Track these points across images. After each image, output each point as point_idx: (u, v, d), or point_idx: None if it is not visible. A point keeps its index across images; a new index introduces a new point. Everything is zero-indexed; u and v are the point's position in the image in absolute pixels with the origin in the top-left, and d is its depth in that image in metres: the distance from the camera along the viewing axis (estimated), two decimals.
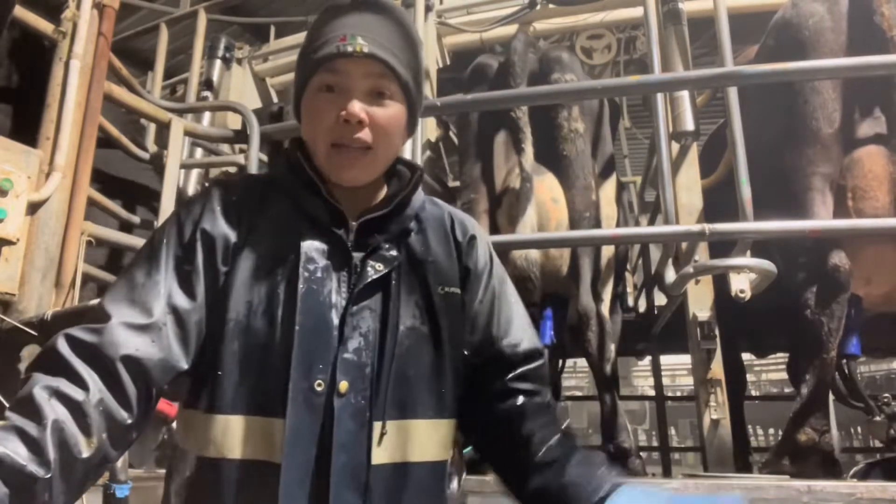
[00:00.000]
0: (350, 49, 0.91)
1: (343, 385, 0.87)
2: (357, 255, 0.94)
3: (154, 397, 0.85)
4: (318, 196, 0.96)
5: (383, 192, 1.04)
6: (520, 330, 1.05)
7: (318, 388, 0.86)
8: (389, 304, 0.92)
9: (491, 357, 1.03)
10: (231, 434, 0.86)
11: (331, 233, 0.95)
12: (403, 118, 0.99)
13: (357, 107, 0.92)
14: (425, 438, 0.92)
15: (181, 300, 0.88)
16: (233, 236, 0.93)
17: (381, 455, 0.88)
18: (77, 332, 0.81)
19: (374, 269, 0.93)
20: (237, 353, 0.88)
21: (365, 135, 0.93)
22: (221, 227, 0.93)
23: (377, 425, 0.88)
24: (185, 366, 0.87)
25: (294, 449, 0.84)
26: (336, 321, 0.90)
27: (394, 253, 0.96)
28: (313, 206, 0.96)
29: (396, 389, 0.90)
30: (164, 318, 0.86)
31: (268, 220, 0.96)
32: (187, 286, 0.89)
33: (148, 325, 0.84)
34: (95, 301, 1.83)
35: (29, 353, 2.03)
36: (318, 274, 0.91)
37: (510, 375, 1.02)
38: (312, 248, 0.92)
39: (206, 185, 1.02)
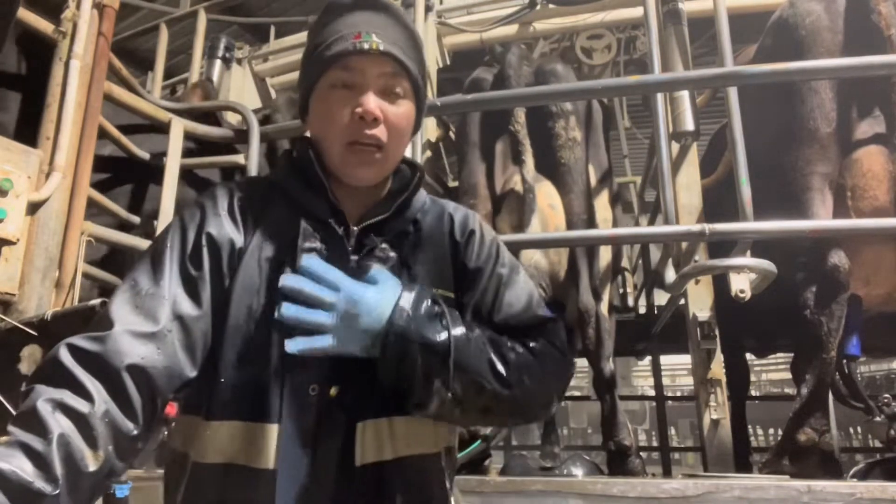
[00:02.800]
0: (367, 46, 0.91)
1: (333, 390, 0.86)
2: (354, 259, 0.94)
3: (160, 407, 0.83)
4: (322, 197, 0.96)
5: (385, 190, 1.04)
6: (519, 307, 1.00)
7: (312, 393, 0.86)
8: None
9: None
10: (228, 440, 0.85)
11: (332, 236, 0.94)
12: (413, 117, 1.00)
13: (374, 103, 0.92)
14: (409, 434, 0.90)
15: (187, 307, 0.87)
16: (238, 241, 0.92)
17: (367, 455, 0.86)
18: (80, 340, 0.79)
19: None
20: (235, 359, 0.87)
21: (380, 132, 0.93)
22: (227, 232, 0.92)
23: (360, 426, 0.87)
24: (191, 374, 0.86)
25: (289, 454, 0.83)
26: None
27: (391, 254, 0.96)
28: (317, 207, 0.95)
29: (382, 390, 0.88)
30: (169, 326, 0.84)
31: (271, 224, 0.95)
32: (193, 293, 0.88)
33: (153, 333, 0.82)
34: (95, 301, 1.83)
35: (29, 352, 2.03)
36: None
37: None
38: (313, 250, 0.92)
39: (210, 187, 1.00)
